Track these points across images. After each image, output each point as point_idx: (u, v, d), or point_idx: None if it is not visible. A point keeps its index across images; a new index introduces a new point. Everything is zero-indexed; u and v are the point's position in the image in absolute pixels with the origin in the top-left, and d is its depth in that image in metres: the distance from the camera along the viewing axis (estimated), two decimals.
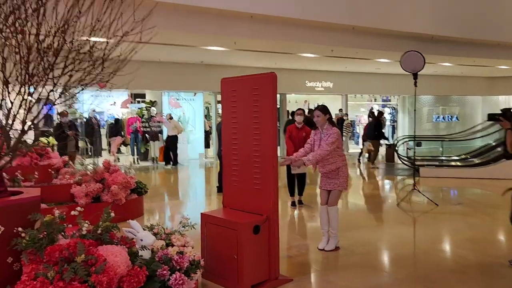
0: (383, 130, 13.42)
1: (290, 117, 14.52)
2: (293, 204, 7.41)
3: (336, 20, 10.28)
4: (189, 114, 15.36)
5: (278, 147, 16.53)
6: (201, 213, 4.01)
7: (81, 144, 12.46)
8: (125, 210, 6.20)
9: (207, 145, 15.85)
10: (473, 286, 3.90)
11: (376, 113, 14.40)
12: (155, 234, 3.69)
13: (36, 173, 5.94)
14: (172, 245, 3.54)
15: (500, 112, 4.18)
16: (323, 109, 4.94)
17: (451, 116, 20.50)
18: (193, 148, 15.25)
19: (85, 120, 12.75)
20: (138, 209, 6.70)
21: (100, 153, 13.24)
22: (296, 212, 7.15)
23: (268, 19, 9.74)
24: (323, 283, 4.04)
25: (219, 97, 19.89)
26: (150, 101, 15.17)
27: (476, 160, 10.86)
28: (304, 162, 4.71)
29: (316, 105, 16.68)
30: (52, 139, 11.53)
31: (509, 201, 4.28)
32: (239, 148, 4.03)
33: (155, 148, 14.22)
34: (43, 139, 11.47)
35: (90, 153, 12.74)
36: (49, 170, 6.37)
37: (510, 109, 4.20)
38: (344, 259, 4.67)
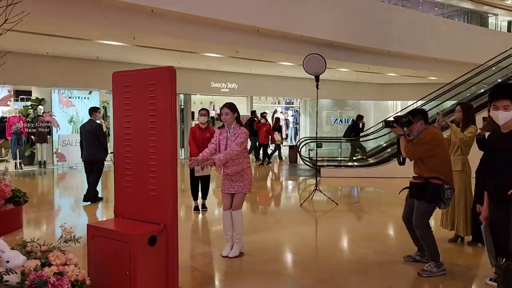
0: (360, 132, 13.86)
1: (258, 118, 14.09)
2: (196, 208, 7.06)
3: (240, 20, 10.19)
4: (83, 114, 14.11)
5: (182, 149, 16.12)
6: (88, 225, 3.49)
7: None
8: None
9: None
10: (377, 287, 3.94)
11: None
12: (28, 253, 3.11)
13: None
14: (50, 265, 3.00)
15: (393, 119, 4.32)
16: (232, 106, 4.69)
17: (348, 119, 21.79)
18: None
19: None
20: (16, 221, 5.81)
21: None
22: (200, 217, 6.81)
23: (170, 15, 9.29)
24: None
25: None
26: (37, 98, 13.65)
27: (371, 160, 11.54)
28: (214, 161, 4.41)
29: (219, 107, 16.32)
30: None
31: (404, 200, 4.42)
32: (133, 151, 3.59)
33: (42, 151, 12.82)
34: None
35: None
36: None
37: (402, 116, 4.36)
38: (248, 265, 4.46)
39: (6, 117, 13.02)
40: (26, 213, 6.46)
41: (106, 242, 3.34)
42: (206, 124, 6.91)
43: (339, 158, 12.53)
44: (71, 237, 3.25)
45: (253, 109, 16.69)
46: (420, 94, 14.25)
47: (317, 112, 7.77)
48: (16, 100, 15.41)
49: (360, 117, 14.09)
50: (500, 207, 2.98)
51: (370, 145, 13.44)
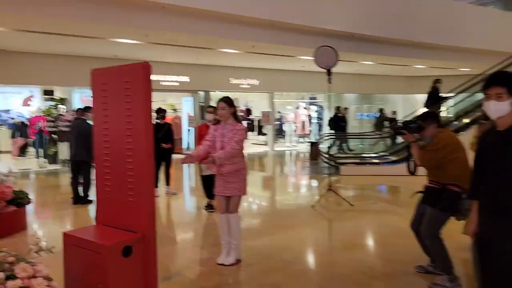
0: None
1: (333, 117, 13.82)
2: (208, 206, 6.83)
3: (255, 14, 9.84)
4: None
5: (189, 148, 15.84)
6: (64, 233, 3.28)
7: None
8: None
9: None
10: None
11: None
12: None
13: None
14: (15, 278, 2.81)
15: (401, 125, 3.90)
16: (228, 100, 4.39)
17: (375, 114, 21.08)
18: None
19: None
20: (18, 223, 5.73)
21: None
22: (205, 218, 6.57)
23: (181, 10, 9.06)
24: None
25: None
26: (60, 98, 13.83)
27: (393, 158, 10.98)
28: (215, 159, 4.13)
29: (243, 104, 15.97)
30: None
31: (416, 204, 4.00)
32: (111, 153, 3.36)
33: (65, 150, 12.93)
34: None
35: None
36: None
37: (410, 121, 3.93)
38: (244, 275, 4.17)
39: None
40: (44, 212, 6.40)
41: (80, 252, 3.13)
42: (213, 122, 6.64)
43: (362, 155, 12.02)
44: (43, 246, 3.05)
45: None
46: (450, 86, 13.49)
47: (329, 107, 7.32)
48: (45, 100, 15.79)
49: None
50: (497, 219, 2.42)
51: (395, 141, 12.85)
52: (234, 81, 16.15)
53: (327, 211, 6.97)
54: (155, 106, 14.15)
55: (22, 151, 13.83)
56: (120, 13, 8.45)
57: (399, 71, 18.21)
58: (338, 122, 13.68)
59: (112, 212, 3.37)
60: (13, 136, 13.23)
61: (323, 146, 12.45)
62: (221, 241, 4.45)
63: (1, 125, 15.67)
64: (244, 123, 18.95)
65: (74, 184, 7.47)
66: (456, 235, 3.79)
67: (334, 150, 13.90)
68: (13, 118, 14.40)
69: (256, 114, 18.71)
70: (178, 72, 14.80)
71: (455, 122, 10.97)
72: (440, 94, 11.53)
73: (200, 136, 6.70)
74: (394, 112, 16.78)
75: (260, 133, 18.38)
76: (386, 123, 15.43)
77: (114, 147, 3.33)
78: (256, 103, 19.95)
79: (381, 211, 7.01)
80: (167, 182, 8.36)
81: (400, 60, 14.41)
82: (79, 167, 7.41)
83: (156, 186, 8.22)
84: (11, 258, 2.93)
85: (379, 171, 10.38)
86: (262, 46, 11.30)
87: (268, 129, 17.28)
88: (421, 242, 3.88)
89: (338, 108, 14.41)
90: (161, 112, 8.33)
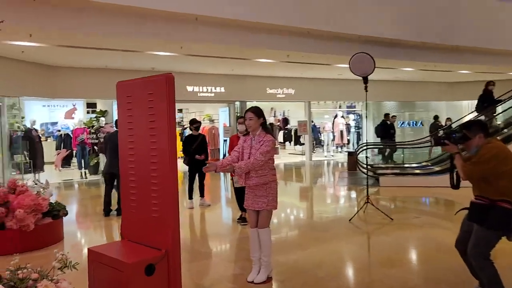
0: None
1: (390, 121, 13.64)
2: (241, 219, 6.70)
3: (288, 23, 9.71)
4: None
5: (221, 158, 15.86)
6: (88, 249, 3.23)
7: (18, 159, 11.44)
8: (35, 238, 5.39)
9: None
10: None
11: None
12: (21, 280, 2.90)
13: None
14: None
15: (443, 134, 3.59)
16: (257, 111, 4.26)
17: (416, 122, 20.31)
18: None
19: (23, 132, 11.70)
20: (54, 235, 5.81)
21: (41, 168, 12.19)
22: (239, 231, 6.43)
23: (214, 21, 9.07)
24: None
25: (178, 106, 19.10)
26: (101, 110, 14.23)
27: (436, 168, 10.43)
28: (234, 168, 4.01)
29: (281, 113, 15.81)
30: None
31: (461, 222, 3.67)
32: (136, 167, 3.30)
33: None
34: None
35: (29, 168, 11.71)
36: None
37: (454, 130, 3.63)
38: None
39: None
40: (86, 222, 6.46)
41: (104, 269, 3.06)
42: (244, 133, 6.52)
43: (401, 165, 11.52)
44: (66, 264, 3.00)
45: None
46: (499, 92, 12.74)
47: (366, 116, 7.04)
48: (88, 113, 16.38)
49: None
50: None
51: (438, 150, 12.21)
52: (270, 91, 16.04)
53: (365, 224, 6.65)
54: (191, 117, 14.26)
55: (67, 162, 14.33)
56: (155, 27, 8.57)
57: (442, 77, 17.48)
58: (387, 130, 13.20)
59: (137, 227, 3.29)
60: (58, 148, 13.74)
61: (362, 156, 12.04)
62: (251, 257, 4.28)
63: (48, 137, 16.38)
64: (281, 133, 18.90)
65: (107, 196, 7.53)
66: (508, 254, 3.44)
67: (378, 160, 13.48)
68: (59, 130, 15.01)
69: (293, 124, 18.50)
70: (214, 83, 14.88)
71: (505, 130, 10.29)
72: (493, 97, 10.79)
73: (231, 147, 6.64)
74: (449, 119, 15.99)
75: (297, 143, 18.14)
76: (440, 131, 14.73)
77: (138, 160, 3.26)
78: (293, 113, 19.75)
79: (424, 225, 6.61)
80: (201, 194, 8.31)
81: (442, 65, 13.81)
82: (113, 179, 7.49)
83: (191, 198, 8.20)
84: (35, 275, 2.90)
85: (422, 182, 9.87)
86: (298, 55, 11.13)
87: (305, 138, 17.02)
88: (467, 263, 3.54)
89: (386, 115, 13.95)
90: (195, 123, 8.32)
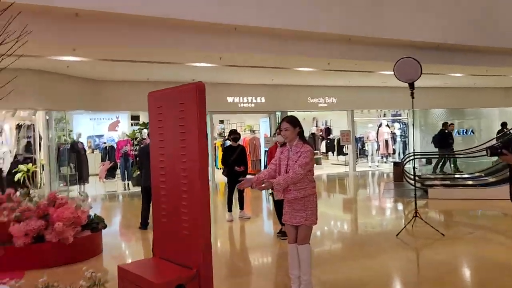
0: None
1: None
2: (282, 233, 6.45)
3: (329, 30, 9.44)
4: None
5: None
6: (118, 266, 3.12)
7: (65, 170, 11.81)
8: (74, 250, 5.41)
9: None
10: None
11: None
12: None
13: None
14: None
15: (500, 144, 3.23)
16: (293, 120, 4.04)
17: (466, 130, 19.24)
18: None
19: (69, 145, 12.09)
20: (93, 247, 5.82)
21: (87, 180, 12.52)
22: (278, 246, 6.18)
23: (253, 31, 8.96)
24: None
25: (220, 117, 19.17)
26: (144, 122, 14.49)
27: (491, 179, 9.69)
28: (273, 185, 3.81)
29: (323, 123, 15.40)
30: (32, 166, 10.96)
31: None
32: (167, 180, 3.16)
33: None
34: (23, 166, 10.94)
35: (75, 180, 12.06)
36: None
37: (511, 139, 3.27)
38: None
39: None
40: (127, 235, 6.45)
41: None
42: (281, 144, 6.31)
43: (452, 176, 10.83)
44: (95, 282, 2.90)
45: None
46: None
47: (413, 124, 6.63)
48: (132, 125, 16.80)
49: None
50: None
51: (493, 159, 11.42)
52: (312, 100, 15.74)
53: (413, 240, 6.21)
54: (232, 127, 14.11)
55: (111, 173, 14.69)
56: (195, 38, 8.57)
57: (495, 82, 16.49)
58: (445, 139, 12.58)
59: (168, 244, 3.15)
60: (103, 160, 14.11)
61: (408, 166, 11.46)
62: (290, 274, 4.03)
63: (95, 149, 16.92)
64: (323, 143, 18.48)
65: (145, 210, 7.40)
66: None
67: (437, 170, 12.85)
68: (104, 143, 15.45)
69: (335, 133, 18.06)
70: (254, 93, 14.78)
71: None
72: None
73: (270, 158, 6.41)
74: (504, 124, 15.02)
75: (340, 153, 17.65)
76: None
77: (169, 174, 3.13)
78: (335, 122, 19.29)
79: (479, 241, 6.08)
80: (241, 206, 8.14)
81: (494, 70, 13.00)
82: (150, 192, 7.42)
83: (230, 210, 8.05)
84: None
85: (475, 194, 9.19)
86: (339, 62, 10.82)
87: (349, 148, 16.52)
88: None
89: (444, 124, 13.30)
90: (233, 134, 8.20)
